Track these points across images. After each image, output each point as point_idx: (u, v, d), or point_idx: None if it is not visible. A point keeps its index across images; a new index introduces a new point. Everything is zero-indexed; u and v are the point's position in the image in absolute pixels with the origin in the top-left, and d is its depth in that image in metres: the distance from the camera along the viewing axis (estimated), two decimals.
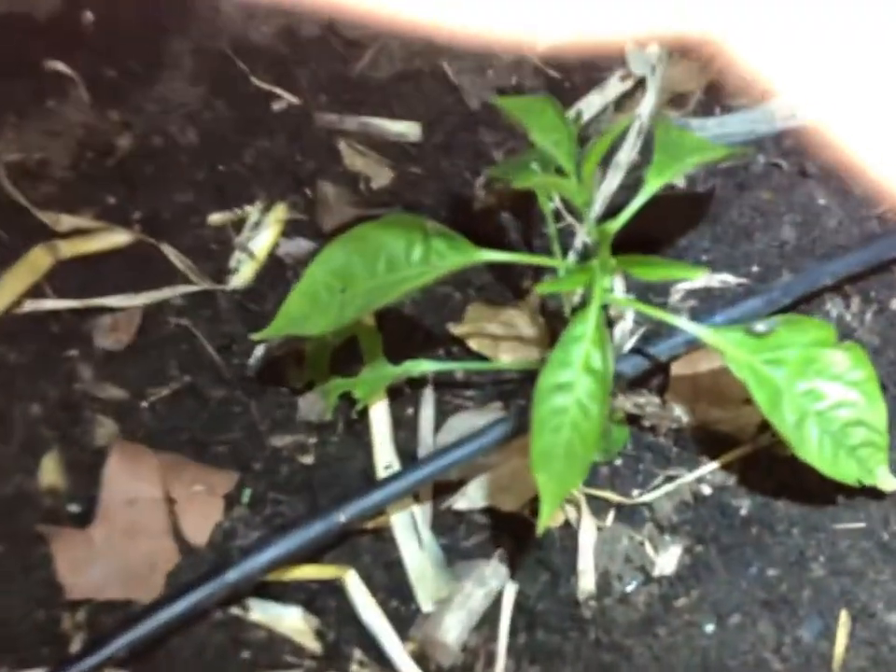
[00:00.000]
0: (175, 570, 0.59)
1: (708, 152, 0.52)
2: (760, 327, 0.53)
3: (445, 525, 0.63)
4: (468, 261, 0.54)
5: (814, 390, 0.54)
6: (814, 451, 0.54)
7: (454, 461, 0.62)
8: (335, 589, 0.60)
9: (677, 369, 0.63)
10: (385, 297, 0.54)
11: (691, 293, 0.67)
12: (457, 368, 0.65)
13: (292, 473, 0.63)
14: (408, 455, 0.64)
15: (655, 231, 0.66)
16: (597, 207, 0.66)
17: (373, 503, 0.59)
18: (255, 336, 0.58)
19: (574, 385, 0.49)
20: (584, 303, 0.51)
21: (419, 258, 0.54)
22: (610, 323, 0.66)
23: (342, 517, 0.57)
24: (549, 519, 0.51)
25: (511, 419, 0.61)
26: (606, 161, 0.70)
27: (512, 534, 0.63)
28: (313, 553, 0.61)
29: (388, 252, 0.55)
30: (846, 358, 0.54)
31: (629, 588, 0.60)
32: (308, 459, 0.63)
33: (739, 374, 0.52)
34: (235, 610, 0.59)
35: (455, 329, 0.67)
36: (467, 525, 0.63)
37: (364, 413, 0.64)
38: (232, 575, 0.56)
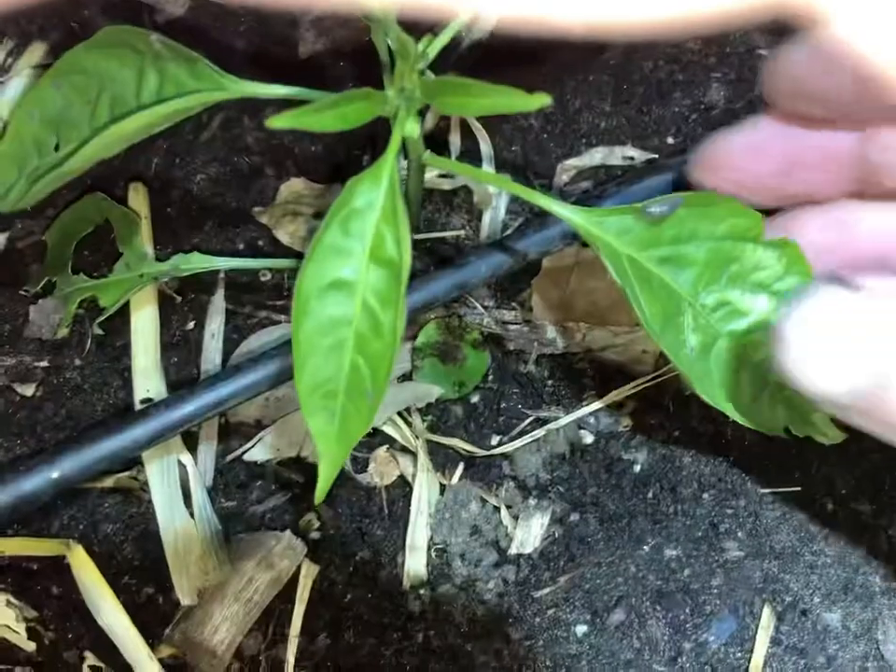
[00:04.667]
0: None
1: None
2: (654, 209, 0.35)
3: (233, 482, 0.46)
4: (218, 95, 0.36)
5: (728, 303, 0.36)
6: (724, 389, 0.37)
7: (243, 389, 0.44)
8: (59, 570, 0.43)
9: (547, 272, 0.45)
10: (107, 149, 0.36)
11: (583, 173, 0.49)
12: (255, 266, 0.47)
13: (10, 409, 0.45)
14: (184, 385, 0.47)
15: (532, 81, 0.48)
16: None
17: (113, 449, 0.41)
18: None
19: (357, 283, 0.32)
20: (377, 156, 0.33)
21: (153, 92, 0.36)
22: (479, 215, 0.49)
23: (54, 472, 0.39)
24: (328, 482, 0.34)
25: None
26: None
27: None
28: (29, 519, 0.43)
29: (114, 86, 0.37)
30: (776, 258, 0.36)
31: (475, 571, 0.43)
32: (28, 390, 0.45)
33: (618, 276, 0.35)
34: None
35: (263, 216, 0.49)
36: (263, 482, 0.46)
37: (120, 329, 0.46)
38: None
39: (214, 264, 0.45)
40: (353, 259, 0.32)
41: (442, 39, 0.35)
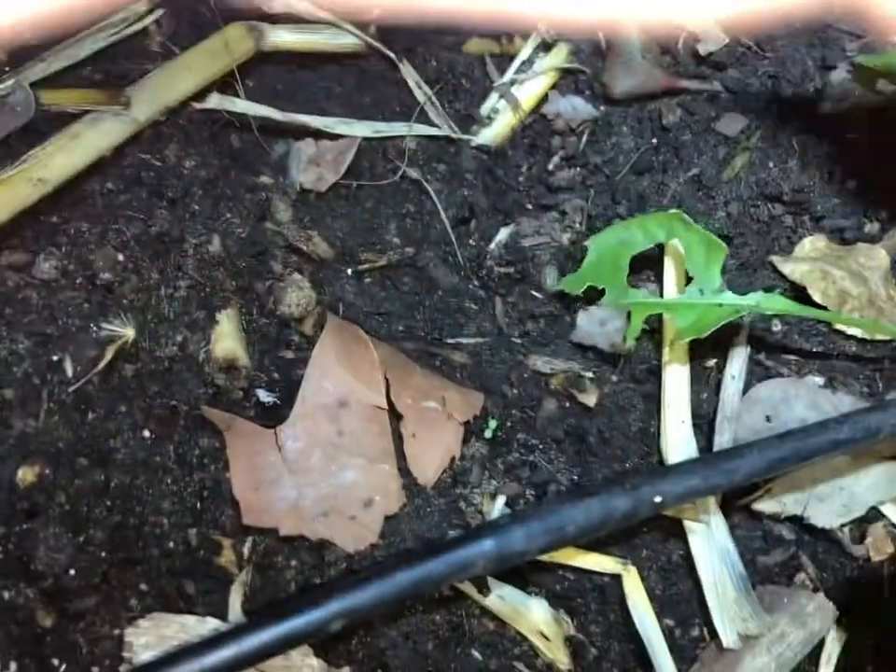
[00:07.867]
0: (397, 515, 0.41)
1: None
2: None
3: (736, 528, 0.46)
4: None
5: None
6: None
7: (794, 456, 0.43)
8: (598, 587, 0.43)
9: None
10: None
11: None
12: (805, 314, 0.45)
13: (558, 414, 0.45)
14: (700, 417, 0.46)
15: None
16: None
17: (688, 488, 0.41)
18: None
19: None
20: None
21: None
22: None
23: (657, 497, 0.39)
24: None
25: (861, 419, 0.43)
26: None
27: (823, 559, 0.45)
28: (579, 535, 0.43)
29: None
30: None
31: None
32: (591, 399, 0.45)
33: None
34: (467, 588, 0.42)
35: (784, 265, 0.49)
36: (764, 533, 0.46)
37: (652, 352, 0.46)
38: (493, 544, 0.38)
39: (780, 307, 0.44)
40: None
41: None
